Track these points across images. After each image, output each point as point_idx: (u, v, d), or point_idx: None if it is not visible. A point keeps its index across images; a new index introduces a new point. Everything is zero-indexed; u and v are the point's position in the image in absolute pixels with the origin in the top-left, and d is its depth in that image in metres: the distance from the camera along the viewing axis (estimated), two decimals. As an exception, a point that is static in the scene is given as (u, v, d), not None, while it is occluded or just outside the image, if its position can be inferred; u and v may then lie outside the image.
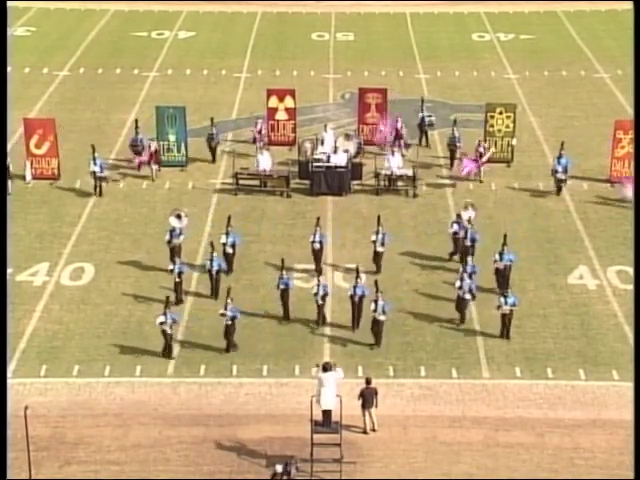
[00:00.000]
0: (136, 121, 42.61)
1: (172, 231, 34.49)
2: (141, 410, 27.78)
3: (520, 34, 61.36)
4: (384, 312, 30.07)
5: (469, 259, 32.57)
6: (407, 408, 27.93)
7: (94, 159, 39.68)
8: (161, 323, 29.63)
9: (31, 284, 33.93)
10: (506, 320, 30.64)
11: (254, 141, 43.06)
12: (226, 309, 29.91)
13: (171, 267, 32.80)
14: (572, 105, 49.97)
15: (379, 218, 34.37)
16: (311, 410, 25.30)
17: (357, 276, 31.41)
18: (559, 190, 39.98)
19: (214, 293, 32.76)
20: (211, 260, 32.76)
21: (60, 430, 26.88)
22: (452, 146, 42.32)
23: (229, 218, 34.57)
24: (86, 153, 43.78)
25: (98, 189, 39.83)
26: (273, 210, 39.22)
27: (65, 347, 30.55)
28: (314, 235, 34.16)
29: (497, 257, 32.98)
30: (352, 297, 31.23)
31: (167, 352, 29.89)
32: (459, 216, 35.19)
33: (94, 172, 39.69)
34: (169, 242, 34.32)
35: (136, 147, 41.76)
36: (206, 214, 38.78)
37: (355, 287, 31.22)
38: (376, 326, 30.29)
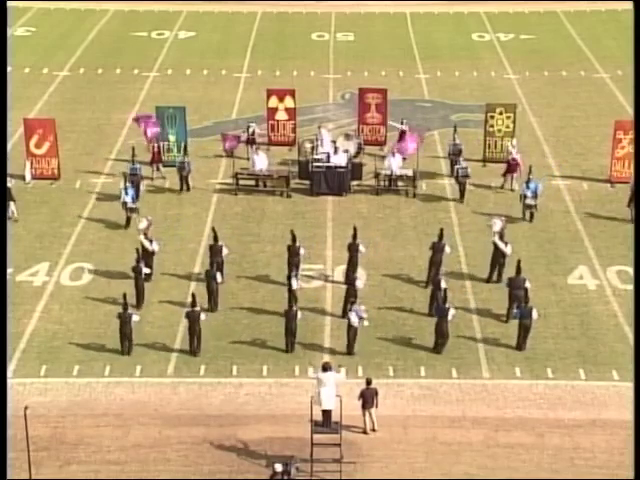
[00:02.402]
0: (133, 149, 40.66)
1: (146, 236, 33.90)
2: (141, 410, 27.78)
3: (520, 34, 61.38)
4: (360, 318, 29.94)
5: (442, 269, 32.12)
6: (407, 408, 27.92)
7: (125, 189, 37.56)
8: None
9: (31, 284, 33.93)
10: (527, 332, 30.22)
11: (247, 143, 42.75)
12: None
13: (144, 269, 32.47)
14: (572, 105, 49.98)
15: (355, 229, 33.91)
16: (311, 410, 25.30)
17: (353, 267, 32.28)
18: (531, 217, 37.71)
19: (214, 305, 32.33)
20: (214, 277, 32.20)
21: (60, 430, 26.89)
22: (463, 178, 39.40)
23: (214, 229, 33.97)
24: (86, 153, 44.04)
25: (127, 220, 37.68)
26: (273, 210, 39.22)
27: (65, 347, 30.54)
28: (293, 246, 33.45)
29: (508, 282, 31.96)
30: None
31: (128, 350, 30.08)
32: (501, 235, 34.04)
33: (125, 203, 37.46)
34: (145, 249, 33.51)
35: (135, 176, 39.28)
36: (206, 214, 38.80)
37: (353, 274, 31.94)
38: (351, 331, 30.10)
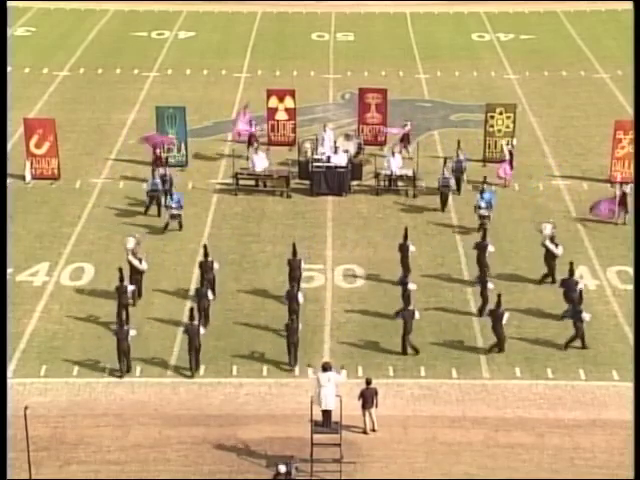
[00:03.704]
0: (153, 165, 40.03)
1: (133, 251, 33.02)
2: (141, 410, 27.78)
3: (520, 34, 61.40)
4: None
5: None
6: (407, 408, 27.92)
7: (171, 194, 37.12)
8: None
9: (31, 284, 33.92)
10: (578, 332, 30.22)
11: (249, 143, 42.68)
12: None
13: (129, 287, 31.63)
14: (572, 105, 49.99)
15: (406, 229, 34.08)
16: (311, 410, 25.30)
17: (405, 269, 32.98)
18: (481, 226, 36.37)
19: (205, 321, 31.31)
20: (206, 295, 31.40)
21: (60, 430, 26.88)
22: (444, 188, 38.86)
23: (205, 247, 33.10)
24: (86, 153, 44.04)
25: (177, 225, 37.10)
26: (273, 210, 39.22)
27: (65, 347, 30.54)
28: (294, 260, 33.05)
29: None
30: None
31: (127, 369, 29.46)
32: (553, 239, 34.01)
33: (169, 206, 36.96)
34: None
35: (155, 192, 37.98)
36: (206, 214, 38.79)
37: (405, 278, 32.28)
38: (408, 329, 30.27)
